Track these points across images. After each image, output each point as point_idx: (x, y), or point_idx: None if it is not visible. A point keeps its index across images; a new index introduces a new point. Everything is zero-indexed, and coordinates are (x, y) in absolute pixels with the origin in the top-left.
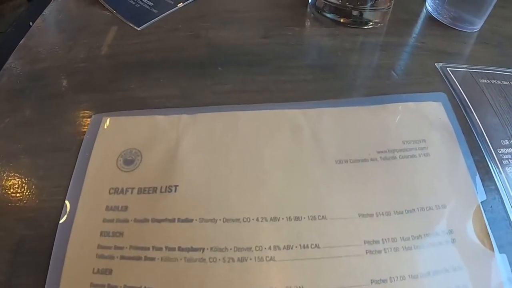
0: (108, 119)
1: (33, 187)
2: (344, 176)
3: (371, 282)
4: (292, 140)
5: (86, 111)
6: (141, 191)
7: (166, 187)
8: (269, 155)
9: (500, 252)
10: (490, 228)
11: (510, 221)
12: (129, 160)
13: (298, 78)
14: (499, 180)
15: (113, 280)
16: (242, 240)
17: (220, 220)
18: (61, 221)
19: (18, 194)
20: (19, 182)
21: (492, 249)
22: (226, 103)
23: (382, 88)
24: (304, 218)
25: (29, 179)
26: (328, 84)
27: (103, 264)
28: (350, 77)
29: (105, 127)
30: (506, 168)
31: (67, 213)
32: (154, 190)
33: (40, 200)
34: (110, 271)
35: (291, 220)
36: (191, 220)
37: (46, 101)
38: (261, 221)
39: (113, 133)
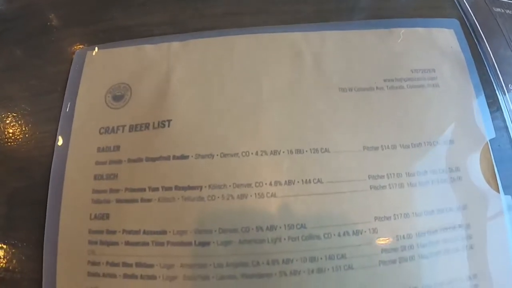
0: (93, 53)
1: (20, 135)
2: (348, 106)
3: (375, 219)
4: (292, 66)
5: (68, 48)
6: (132, 128)
7: (158, 122)
8: (268, 84)
9: (505, 194)
10: (497, 168)
11: None
12: (118, 96)
13: None
14: (509, 118)
15: (111, 225)
16: (241, 176)
17: (217, 155)
18: (52, 168)
19: (5, 144)
20: (5, 131)
21: (498, 190)
22: (219, 28)
23: (389, 10)
24: (306, 151)
25: (15, 127)
26: (330, 5)
27: (99, 209)
28: None
29: (90, 62)
30: None
31: (58, 160)
32: (147, 126)
33: (29, 148)
34: (107, 216)
35: (292, 153)
36: (187, 157)
37: (25, 42)
38: (261, 155)
39: (99, 68)
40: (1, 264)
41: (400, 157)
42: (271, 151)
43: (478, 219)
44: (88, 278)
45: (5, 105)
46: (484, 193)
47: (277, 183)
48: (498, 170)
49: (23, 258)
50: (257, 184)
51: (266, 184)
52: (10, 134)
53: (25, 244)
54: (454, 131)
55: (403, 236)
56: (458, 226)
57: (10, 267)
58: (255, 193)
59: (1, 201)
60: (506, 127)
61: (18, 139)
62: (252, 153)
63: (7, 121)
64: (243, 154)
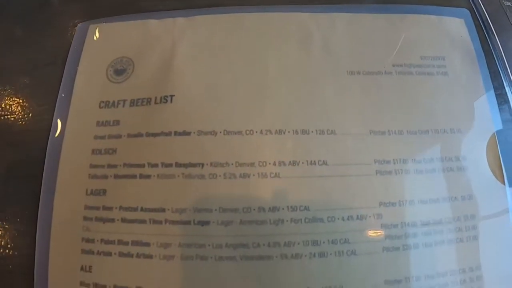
0: (96, 27)
1: (18, 108)
2: (356, 89)
3: (380, 205)
4: (300, 47)
5: (71, 21)
6: (133, 103)
7: (161, 97)
8: (275, 63)
9: (511, 186)
10: (503, 161)
11: None
12: (120, 70)
13: None
14: None
15: (108, 201)
16: (244, 154)
17: (220, 132)
18: (50, 142)
19: (3, 117)
20: (2, 103)
21: (503, 182)
22: (227, 5)
23: None
24: (312, 132)
25: (13, 100)
26: None
27: (96, 185)
28: None
29: (93, 36)
30: None
31: (56, 133)
32: (148, 101)
33: (27, 122)
34: (104, 192)
35: (297, 133)
36: (189, 133)
37: (26, 15)
38: (265, 134)
39: (102, 42)
40: None
41: (407, 143)
42: (276, 130)
43: (483, 210)
44: (81, 256)
45: (4, 78)
46: (490, 184)
47: (281, 163)
48: (504, 163)
49: (16, 234)
50: (260, 164)
51: (269, 164)
52: (8, 107)
53: (18, 219)
54: (462, 120)
55: (408, 223)
56: (463, 216)
57: (3, 243)
58: (258, 173)
59: None
60: None
61: (16, 112)
62: (256, 132)
63: (5, 94)
64: (247, 132)
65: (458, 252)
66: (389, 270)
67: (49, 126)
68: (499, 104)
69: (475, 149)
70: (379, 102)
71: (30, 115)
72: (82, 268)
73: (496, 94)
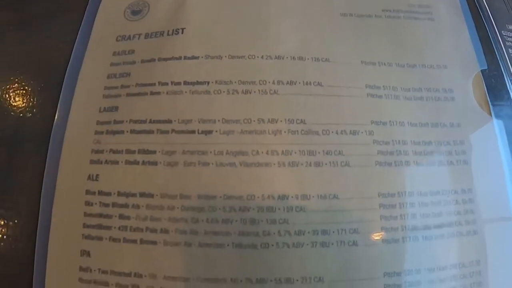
0: None
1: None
2: (348, 29)
3: (371, 123)
4: None
5: None
6: (148, 35)
7: (173, 30)
8: (277, 2)
9: (497, 118)
10: (489, 95)
11: (510, 96)
12: (137, 11)
13: None
14: (501, 58)
15: (119, 116)
16: (246, 74)
17: (225, 56)
18: (68, 70)
19: (25, 51)
20: (26, 32)
21: (490, 114)
22: None
23: None
24: (308, 59)
25: (35, 35)
26: None
27: (109, 103)
28: None
29: None
30: (509, 49)
31: (74, 62)
32: (161, 33)
33: (48, 55)
34: (116, 108)
35: (295, 59)
36: (197, 57)
37: None
38: (266, 59)
39: None
40: None
41: (396, 73)
42: (276, 55)
43: (471, 137)
44: (90, 166)
45: (26, 21)
46: (477, 114)
47: (280, 82)
48: (490, 100)
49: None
50: (261, 82)
51: (269, 82)
52: (30, 41)
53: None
54: (448, 58)
55: (399, 141)
56: (452, 141)
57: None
58: (259, 90)
59: (16, 105)
60: (499, 65)
61: (38, 46)
62: (258, 57)
63: (31, 29)
64: (250, 56)
65: (449, 173)
66: (382, 184)
67: (68, 59)
68: (484, 50)
69: (461, 84)
70: (370, 39)
71: (51, 50)
72: (89, 177)
73: (479, 37)
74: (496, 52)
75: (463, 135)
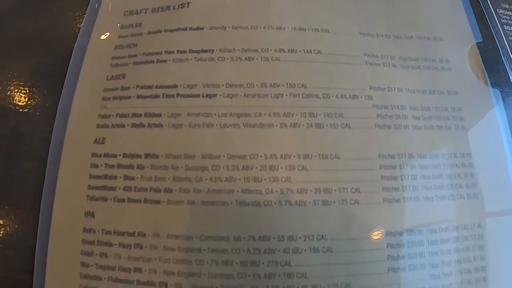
0: None
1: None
2: (347, 0)
3: (370, 88)
4: None
5: None
6: (155, 10)
7: (179, 4)
8: None
9: (493, 87)
10: (484, 65)
11: (505, 67)
12: None
13: None
14: (497, 34)
15: (126, 82)
16: (249, 42)
17: (229, 27)
18: (77, 42)
19: (33, 23)
20: (34, 12)
21: (486, 84)
22: None
23: None
24: (308, 29)
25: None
26: None
27: (116, 71)
28: None
29: None
30: (504, 26)
31: (82, 35)
32: (168, 8)
33: (55, 29)
34: (123, 76)
35: (295, 30)
36: (202, 28)
37: None
38: (268, 29)
39: None
40: None
41: (393, 44)
42: (277, 26)
43: (469, 104)
44: (96, 130)
45: None
46: (474, 83)
47: (281, 50)
48: (486, 70)
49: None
50: (263, 50)
51: (271, 50)
52: (41, 16)
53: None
54: (444, 30)
55: (397, 106)
56: (450, 107)
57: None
58: (261, 57)
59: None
60: (494, 41)
61: (50, 18)
62: (259, 27)
63: (43, 5)
64: (252, 27)
65: (448, 137)
66: (382, 146)
67: (77, 34)
68: (479, 25)
69: (457, 55)
70: (367, 12)
71: (59, 23)
72: (95, 141)
73: (474, 12)
74: (492, 29)
75: (461, 102)
